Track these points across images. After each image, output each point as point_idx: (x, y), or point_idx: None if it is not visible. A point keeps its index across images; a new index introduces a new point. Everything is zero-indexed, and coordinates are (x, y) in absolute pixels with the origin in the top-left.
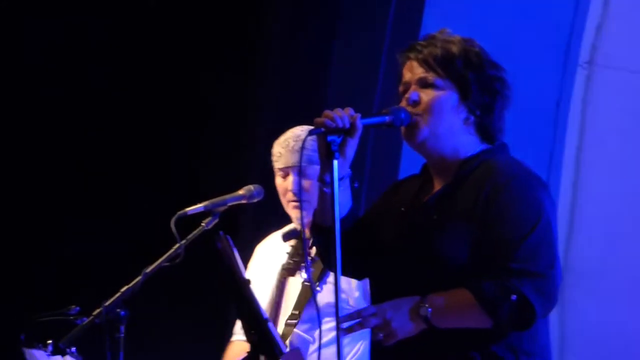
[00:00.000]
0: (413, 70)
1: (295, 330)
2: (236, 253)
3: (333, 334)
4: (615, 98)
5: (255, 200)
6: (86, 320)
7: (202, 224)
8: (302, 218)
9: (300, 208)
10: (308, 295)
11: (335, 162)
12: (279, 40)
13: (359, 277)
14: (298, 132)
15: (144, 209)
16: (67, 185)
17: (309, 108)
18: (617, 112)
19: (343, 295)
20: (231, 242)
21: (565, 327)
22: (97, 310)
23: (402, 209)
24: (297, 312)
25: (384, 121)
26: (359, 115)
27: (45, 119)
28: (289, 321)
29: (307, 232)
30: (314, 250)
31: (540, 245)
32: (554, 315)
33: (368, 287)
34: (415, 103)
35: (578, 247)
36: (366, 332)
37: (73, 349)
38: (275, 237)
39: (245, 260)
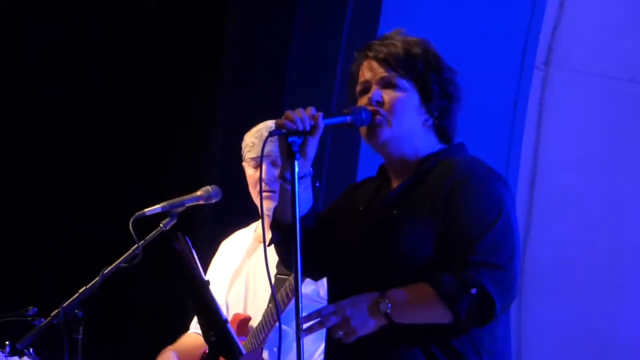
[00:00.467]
0: (373, 70)
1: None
2: (195, 254)
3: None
4: (570, 99)
5: (213, 201)
6: (44, 321)
7: (161, 225)
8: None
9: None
10: (281, 287)
11: (296, 163)
12: (237, 40)
13: (316, 278)
14: (270, 124)
15: (103, 209)
16: (25, 184)
17: (267, 108)
18: (573, 113)
19: (313, 286)
20: (190, 243)
21: (523, 328)
22: (55, 311)
23: (361, 208)
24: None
25: (345, 121)
26: (321, 114)
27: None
28: (266, 317)
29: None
30: None
31: (500, 239)
32: (512, 317)
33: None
34: (379, 103)
35: (535, 247)
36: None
37: (31, 350)
38: (241, 233)
39: (204, 260)
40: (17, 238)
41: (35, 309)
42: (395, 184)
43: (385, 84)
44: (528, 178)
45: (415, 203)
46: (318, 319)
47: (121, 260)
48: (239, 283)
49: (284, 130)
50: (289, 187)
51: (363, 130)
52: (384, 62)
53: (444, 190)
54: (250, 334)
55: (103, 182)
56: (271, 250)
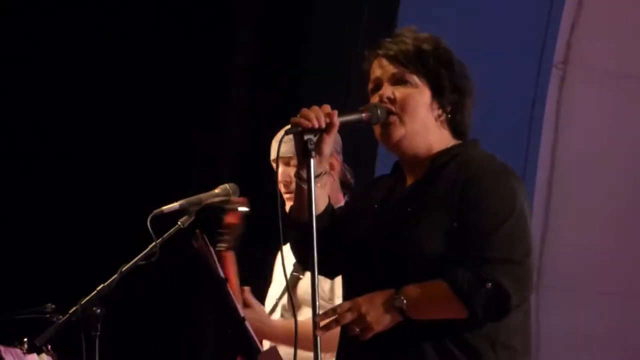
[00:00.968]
0: (384, 67)
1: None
2: (213, 251)
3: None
4: (588, 98)
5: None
6: (62, 318)
7: (179, 223)
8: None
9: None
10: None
11: (312, 161)
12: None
13: (331, 276)
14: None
15: (120, 207)
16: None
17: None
18: (591, 112)
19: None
20: (207, 241)
21: (541, 327)
22: (73, 308)
23: (375, 206)
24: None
25: (361, 118)
26: (336, 112)
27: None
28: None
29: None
30: None
31: (514, 234)
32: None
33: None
34: (390, 100)
35: (553, 247)
36: None
37: (49, 347)
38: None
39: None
40: (35, 235)
41: (53, 306)
42: (409, 180)
43: (396, 81)
44: (546, 177)
45: (429, 200)
46: (334, 317)
47: (139, 258)
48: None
49: (299, 128)
50: (304, 185)
51: (377, 129)
52: (394, 59)
53: (457, 186)
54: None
55: (122, 179)
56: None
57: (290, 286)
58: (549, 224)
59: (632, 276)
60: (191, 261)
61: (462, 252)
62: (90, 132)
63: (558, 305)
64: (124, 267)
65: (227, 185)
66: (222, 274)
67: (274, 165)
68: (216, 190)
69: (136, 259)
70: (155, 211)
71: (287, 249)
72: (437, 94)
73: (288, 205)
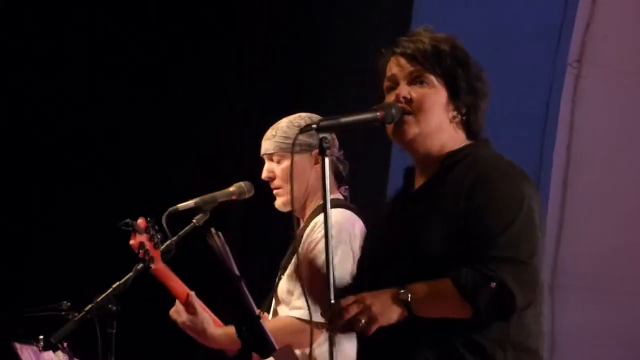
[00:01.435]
0: (401, 66)
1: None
2: (228, 249)
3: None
4: (603, 96)
5: (245, 197)
6: (77, 315)
7: (194, 221)
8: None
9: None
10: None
11: (327, 160)
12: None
13: None
14: (281, 120)
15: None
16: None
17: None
18: (605, 111)
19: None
20: (223, 239)
21: (556, 327)
22: (89, 306)
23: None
24: None
25: (376, 117)
26: None
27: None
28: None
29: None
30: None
31: (521, 234)
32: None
33: None
34: (406, 100)
35: (568, 246)
36: None
37: (64, 344)
38: None
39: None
40: (51, 233)
41: (69, 303)
42: (420, 180)
43: (413, 80)
44: (561, 176)
45: (437, 200)
46: (339, 309)
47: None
48: None
49: (314, 126)
50: None
51: (390, 127)
52: (411, 58)
53: (464, 186)
54: None
55: (136, 177)
56: None
57: (275, 285)
58: (564, 223)
59: None
60: (206, 259)
61: (468, 251)
62: (108, 132)
63: (573, 305)
64: (140, 264)
65: (242, 184)
66: (236, 272)
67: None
68: (231, 189)
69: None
70: (171, 209)
71: None
72: (453, 95)
73: (277, 200)
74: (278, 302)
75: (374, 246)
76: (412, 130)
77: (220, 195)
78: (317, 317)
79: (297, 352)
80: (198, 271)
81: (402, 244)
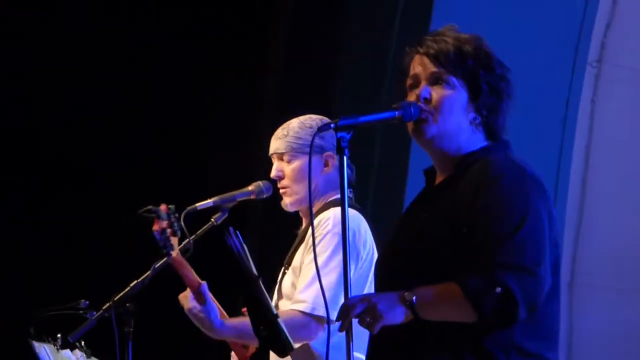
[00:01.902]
0: (424, 66)
1: None
2: (246, 249)
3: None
4: (623, 96)
5: (264, 197)
6: (95, 314)
7: (212, 220)
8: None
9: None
10: None
11: (345, 159)
12: (285, 37)
13: None
14: (292, 120)
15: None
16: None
17: (318, 104)
18: (625, 110)
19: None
20: (241, 238)
21: (574, 327)
22: (107, 305)
23: (409, 208)
24: None
25: (394, 116)
26: None
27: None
28: None
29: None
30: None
31: (527, 241)
32: (562, 316)
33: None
34: (426, 100)
35: (587, 246)
36: None
37: (82, 343)
38: None
39: (255, 256)
40: (69, 231)
41: (87, 302)
42: (439, 179)
43: (434, 81)
44: (580, 175)
45: (446, 204)
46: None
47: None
48: None
49: (332, 125)
50: None
51: (410, 125)
52: (434, 58)
53: (472, 191)
54: None
55: (154, 176)
56: None
57: (279, 280)
58: (582, 223)
59: None
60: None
61: (474, 257)
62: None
63: (592, 304)
64: (157, 263)
65: (260, 183)
66: (254, 272)
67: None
68: (249, 188)
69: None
70: (189, 208)
71: None
72: (474, 97)
73: (283, 200)
74: (280, 297)
75: (388, 245)
76: (430, 130)
77: (238, 194)
78: (321, 312)
79: (297, 345)
80: (216, 270)
81: (410, 244)
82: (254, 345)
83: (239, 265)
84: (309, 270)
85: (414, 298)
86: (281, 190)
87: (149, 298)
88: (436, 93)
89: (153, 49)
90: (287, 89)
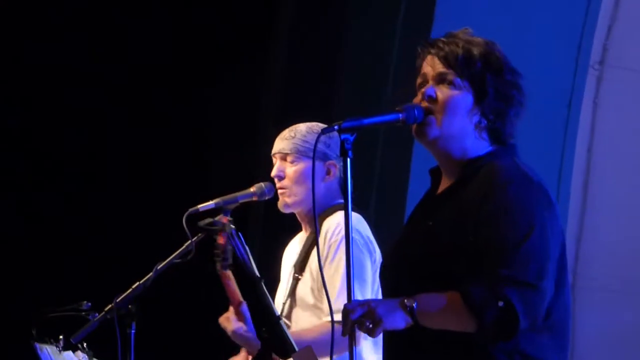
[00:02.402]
0: (433, 66)
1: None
2: (248, 250)
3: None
4: (625, 98)
5: (266, 198)
6: (97, 315)
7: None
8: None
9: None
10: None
11: (349, 160)
12: (290, 36)
13: None
14: (299, 124)
15: (155, 205)
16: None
17: (320, 106)
18: (627, 112)
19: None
20: (243, 240)
21: (576, 329)
22: (109, 306)
23: (414, 211)
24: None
25: (398, 119)
26: None
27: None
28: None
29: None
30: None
31: (531, 255)
32: None
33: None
34: (431, 99)
35: (588, 248)
36: None
37: (84, 344)
38: (293, 241)
39: (257, 257)
40: (71, 233)
41: (89, 303)
42: (445, 184)
43: (441, 81)
44: (582, 177)
45: (452, 211)
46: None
47: (174, 256)
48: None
49: (336, 127)
50: None
51: (414, 127)
52: (443, 59)
53: (477, 199)
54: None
55: (157, 177)
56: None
57: (291, 288)
58: (585, 225)
59: None
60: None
61: (478, 267)
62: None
63: (594, 305)
64: (160, 265)
65: (262, 184)
66: (256, 273)
67: (273, 158)
68: (252, 189)
69: (171, 257)
70: (191, 209)
71: (292, 245)
72: (479, 100)
73: (280, 200)
74: (294, 304)
75: (394, 248)
76: (433, 131)
77: (240, 195)
78: None
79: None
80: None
81: (415, 250)
82: None
83: (241, 267)
84: (336, 280)
85: (414, 304)
86: (280, 191)
87: (151, 300)
88: (441, 92)
89: (153, 49)
90: (290, 90)
